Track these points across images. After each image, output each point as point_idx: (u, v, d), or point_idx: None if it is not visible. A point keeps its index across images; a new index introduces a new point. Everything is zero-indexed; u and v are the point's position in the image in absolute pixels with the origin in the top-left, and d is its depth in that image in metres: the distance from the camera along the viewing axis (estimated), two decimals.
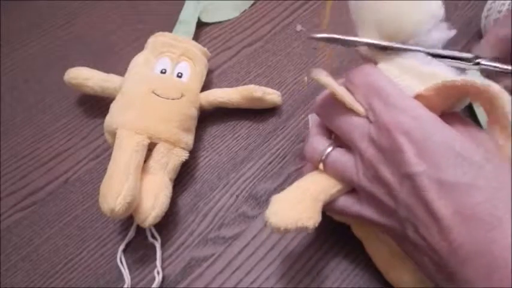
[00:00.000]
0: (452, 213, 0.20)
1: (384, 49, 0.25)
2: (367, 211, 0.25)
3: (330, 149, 0.26)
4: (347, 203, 0.26)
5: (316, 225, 0.25)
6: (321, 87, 0.26)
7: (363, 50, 0.26)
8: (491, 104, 0.22)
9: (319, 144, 0.27)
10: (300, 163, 0.36)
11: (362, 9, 0.25)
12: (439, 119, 0.22)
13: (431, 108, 0.23)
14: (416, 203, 0.21)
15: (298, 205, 0.25)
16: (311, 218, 0.25)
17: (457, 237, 0.19)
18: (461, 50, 0.25)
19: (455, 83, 0.22)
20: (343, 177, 0.26)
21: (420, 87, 0.23)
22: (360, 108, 0.24)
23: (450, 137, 0.21)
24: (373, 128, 0.23)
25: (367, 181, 0.24)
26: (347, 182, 0.26)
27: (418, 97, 0.23)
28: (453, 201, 0.20)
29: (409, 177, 0.21)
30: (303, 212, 0.25)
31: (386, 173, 0.23)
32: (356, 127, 0.24)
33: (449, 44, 0.25)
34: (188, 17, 0.43)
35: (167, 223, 0.33)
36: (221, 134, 0.38)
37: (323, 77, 0.25)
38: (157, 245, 0.32)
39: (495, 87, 0.21)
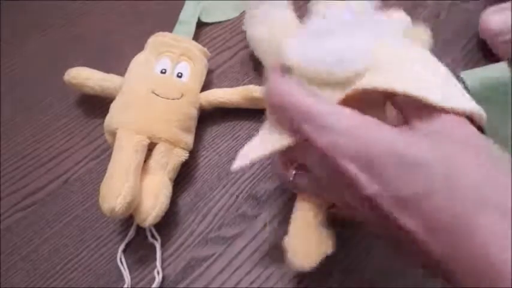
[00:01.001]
0: (423, 227, 0.19)
1: None
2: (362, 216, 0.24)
3: (293, 173, 0.26)
4: (345, 213, 0.26)
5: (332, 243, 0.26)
6: None
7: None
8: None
9: (283, 169, 0.26)
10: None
11: None
12: (374, 122, 0.20)
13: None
14: (386, 221, 0.20)
15: (310, 240, 0.26)
16: (326, 243, 0.26)
17: (435, 249, 0.18)
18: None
19: (376, 88, 0.21)
20: (317, 197, 0.26)
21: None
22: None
23: (390, 142, 0.19)
24: (316, 155, 0.21)
25: (335, 199, 0.24)
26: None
27: (342, 103, 0.21)
28: (417, 215, 0.19)
29: (368, 199, 0.20)
30: (318, 243, 0.25)
31: (347, 195, 0.22)
32: (305, 153, 0.23)
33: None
34: (188, 17, 0.43)
35: (167, 223, 0.33)
36: (221, 134, 0.38)
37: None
38: (157, 245, 0.32)
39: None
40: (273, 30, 0.36)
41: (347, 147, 0.20)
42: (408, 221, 0.19)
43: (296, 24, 0.36)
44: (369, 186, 0.19)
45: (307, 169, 0.25)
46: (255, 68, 0.42)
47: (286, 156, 0.26)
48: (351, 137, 0.20)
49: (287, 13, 0.37)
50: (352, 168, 0.20)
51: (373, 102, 0.22)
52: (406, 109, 0.21)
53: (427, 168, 0.18)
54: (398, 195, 0.19)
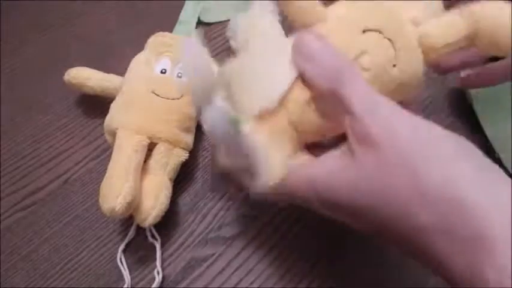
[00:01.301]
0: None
1: None
2: None
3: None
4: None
5: None
6: None
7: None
8: None
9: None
10: None
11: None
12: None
13: None
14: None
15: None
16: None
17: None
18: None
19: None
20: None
21: None
22: None
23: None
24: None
25: None
26: None
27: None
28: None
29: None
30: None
31: None
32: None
33: None
34: (188, 17, 0.43)
35: (167, 223, 0.33)
36: None
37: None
38: (157, 245, 0.32)
39: None
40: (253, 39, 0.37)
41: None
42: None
43: (276, 34, 0.37)
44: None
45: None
46: None
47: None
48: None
49: (267, 22, 0.38)
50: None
51: None
52: None
53: (365, 214, 0.20)
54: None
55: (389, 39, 0.22)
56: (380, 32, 0.22)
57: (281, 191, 0.22)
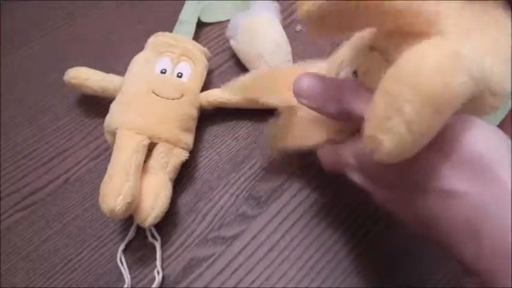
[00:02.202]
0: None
1: None
2: None
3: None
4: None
5: None
6: None
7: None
8: None
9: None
10: (300, 163, 0.36)
11: None
12: None
13: None
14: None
15: None
16: None
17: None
18: None
19: None
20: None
21: None
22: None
23: None
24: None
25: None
26: None
27: None
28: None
29: None
30: None
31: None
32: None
33: None
34: (188, 17, 0.43)
35: (167, 223, 0.33)
36: (221, 134, 0.38)
37: None
38: (157, 245, 0.32)
39: None
40: (251, 40, 0.37)
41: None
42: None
43: (276, 34, 0.38)
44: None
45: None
46: None
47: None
48: None
49: (268, 21, 0.39)
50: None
51: None
52: None
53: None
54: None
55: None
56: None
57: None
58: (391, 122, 0.18)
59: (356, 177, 0.25)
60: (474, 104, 0.20)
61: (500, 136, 0.20)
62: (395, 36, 0.22)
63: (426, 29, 0.19)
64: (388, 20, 0.20)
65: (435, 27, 0.19)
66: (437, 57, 0.17)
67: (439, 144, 0.19)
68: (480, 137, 0.20)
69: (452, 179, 0.19)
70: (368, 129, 0.19)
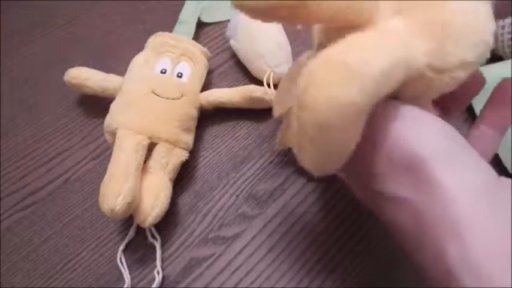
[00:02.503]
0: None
1: None
2: None
3: None
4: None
5: None
6: None
7: None
8: None
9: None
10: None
11: None
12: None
13: None
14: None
15: None
16: None
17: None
18: None
19: None
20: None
21: None
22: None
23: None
24: None
25: None
26: None
27: None
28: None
29: None
30: None
31: None
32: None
33: None
34: (188, 17, 0.43)
35: (167, 223, 0.33)
36: (221, 134, 0.38)
37: None
38: (157, 245, 0.32)
39: None
40: (251, 39, 0.38)
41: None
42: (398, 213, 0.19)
43: (276, 34, 0.38)
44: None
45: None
46: None
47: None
48: None
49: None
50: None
51: None
52: None
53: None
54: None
55: None
56: None
57: None
58: (301, 139, 0.18)
59: (343, 176, 0.24)
60: (422, 84, 0.19)
61: (431, 125, 0.19)
62: (333, 30, 0.20)
63: (358, 21, 0.18)
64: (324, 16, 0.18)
65: (369, 18, 0.19)
66: (321, 73, 0.16)
67: (373, 142, 0.19)
68: (410, 133, 0.18)
69: (392, 183, 0.18)
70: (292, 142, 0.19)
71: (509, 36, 0.37)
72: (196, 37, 0.42)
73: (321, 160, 0.18)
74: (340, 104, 0.16)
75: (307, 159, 0.18)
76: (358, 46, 0.17)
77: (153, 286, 0.30)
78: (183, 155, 0.34)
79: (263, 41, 0.38)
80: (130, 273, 0.31)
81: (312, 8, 0.17)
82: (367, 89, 0.16)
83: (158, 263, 0.31)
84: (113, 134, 0.32)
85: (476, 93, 0.25)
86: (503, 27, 0.37)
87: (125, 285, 0.30)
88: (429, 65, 0.19)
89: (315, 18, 0.17)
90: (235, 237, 0.33)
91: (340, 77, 0.16)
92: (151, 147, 0.32)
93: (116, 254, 0.32)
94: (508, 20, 0.37)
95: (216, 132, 0.38)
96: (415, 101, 0.20)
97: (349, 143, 0.17)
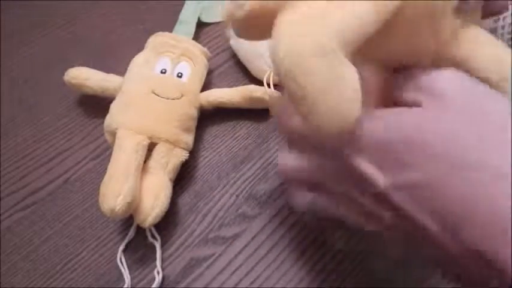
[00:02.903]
0: (438, 224, 0.18)
1: None
2: None
3: (309, 195, 0.25)
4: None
5: None
6: None
7: None
8: None
9: (298, 195, 0.26)
10: None
11: None
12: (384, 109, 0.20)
13: None
14: (403, 221, 0.19)
15: None
16: None
17: (452, 246, 0.18)
18: None
19: None
20: (334, 216, 0.25)
21: None
22: None
23: (398, 127, 0.19)
24: (332, 166, 0.22)
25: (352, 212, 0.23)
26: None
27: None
28: (431, 209, 0.18)
29: (382, 196, 0.20)
30: None
31: (363, 200, 0.21)
32: (323, 169, 0.23)
33: None
34: (188, 17, 0.43)
35: (167, 223, 0.33)
36: (221, 134, 0.38)
37: None
38: (157, 245, 0.32)
39: None
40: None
41: (355, 139, 0.19)
42: (423, 218, 0.18)
43: None
44: (379, 178, 0.19)
45: (322, 187, 0.24)
46: None
47: (298, 181, 0.25)
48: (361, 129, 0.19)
49: None
50: (360, 162, 0.20)
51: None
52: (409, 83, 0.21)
53: (431, 151, 0.18)
54: (409, 184, 0.18)
55: None
56: None
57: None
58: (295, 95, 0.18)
59: None
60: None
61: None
62: None
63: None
64: None
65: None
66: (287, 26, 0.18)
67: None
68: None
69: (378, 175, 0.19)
70: None
71: (509, 36, 0.37)
72: (196, 37, 0.42)
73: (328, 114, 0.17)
74: (308, 44, 0.17)
75: (314, 115, 0.18)
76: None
77: (153, 286, 0.30)
78: (183, 155, 0.34)
79: (263, 41, 0.38)
80: (130, 273, 0.31)
81: None
82: (330, 32, 0.17)
83: (158, 263, 0.31)
84: (113, 134, 0.32)
85: None
86: (503, 27, 0.37)
87: (125, 285, 0.30)
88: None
89: None
90: (235, 237, 0.33)
91: (303, 25, 0.18)
92: (151, 147, 0.32)
93: (116, 254, 0.32)
94: (507, 20, 0.37)
95: (216, 132, 0.38)
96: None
97: (345, 92, 0.17)
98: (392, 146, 0.19)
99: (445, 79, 0.20)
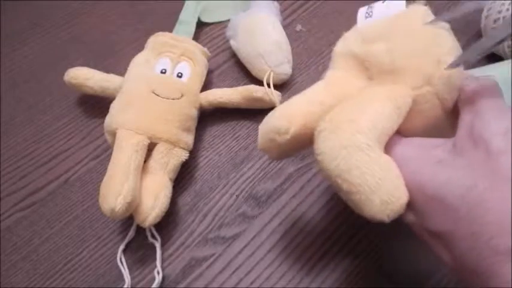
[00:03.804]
0: (453, 263, 0.19)
1: None
2: None
3: None
4: None
5: None
6: None
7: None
8: None
9: None
10: (300, 163, 0.36)
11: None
12: (421, 150, 0.21)
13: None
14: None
15: None
16: None
17: (466, 279, 0.19)
18: (462, 49, 0.24)
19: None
20: None
21: None
22: None
23: (426, 175, 0.19)
24: None
25: None
26: None
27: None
28: (448, 249, 0.19)
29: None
30: None
31: None
32: None
33: None
34: (188, 17, 0.43)
35: (167, 223, 0.33)
36: (221, 134, 0.38)
37: None
38: (157, 245, 0.32)
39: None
40: (251, 39, 0.38)
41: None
42: (441, 253, 0.20)
43: (276, 34, 0.39)
44: (406, 214, 0.20)
45: None
46: None
47: None
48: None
49: (268, 21, 0.39)
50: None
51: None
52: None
53: (455, 208, 0.18)
54: (430, 229, 0.19)
55: None
56: None
57: None
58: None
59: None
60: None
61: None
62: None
63: None
64: None
65: None
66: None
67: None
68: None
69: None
70: None
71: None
72: (196, 37, 0.42)
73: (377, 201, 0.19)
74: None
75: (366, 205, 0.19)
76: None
77: (153, 286, 0.30)
78: (183, 155, 0.34)
79: (263, 41, 0.38)
80: (130, 273, 0.31)
81: None
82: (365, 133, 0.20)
83: (158, 263, 0.31)
84: (113, 134, 0.32)
85: None
86: None
87: (125, 285, 0.30)
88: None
89: None
90: (235, 237, 0.33)
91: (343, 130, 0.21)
92: (151, 147, 0.32)
93: (116, 254, 0.32)
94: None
95: (216, 132, 0.38)
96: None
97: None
98: (415, 192, 0.20)
99: (501, 132, 0.18)
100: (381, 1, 0.25)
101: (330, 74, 0.26)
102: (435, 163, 0.19)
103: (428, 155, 0.20)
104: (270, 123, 0.23)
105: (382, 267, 0.31)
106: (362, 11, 0.25)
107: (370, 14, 0.25)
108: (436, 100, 0.22)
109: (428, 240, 0.20)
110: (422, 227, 0.20)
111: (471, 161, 0.18)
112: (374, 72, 0.23)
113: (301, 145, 0.24)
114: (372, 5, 0.25)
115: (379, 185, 0.19)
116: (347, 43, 0.25)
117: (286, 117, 0.23)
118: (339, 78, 0.25)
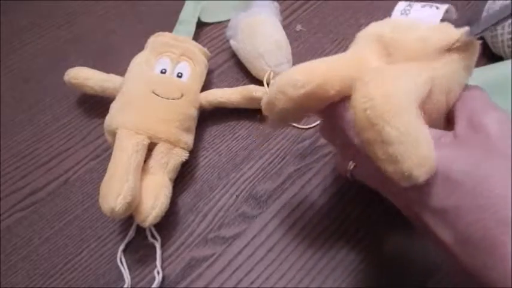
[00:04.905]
0: (454, 240, 0.19)
1: None
2: None
3: (351, 166, 0.27)
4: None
5: None
6: None
7: None
8: None
9: (343, 162, 0.28)
10: (300, 163, 0.36)
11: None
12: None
13: None
14: (427, 231, 0.21)
15: None
16: None
17: (466, 264, 0.19)
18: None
19: None
20: (372, 186, 0.26)
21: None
22: None
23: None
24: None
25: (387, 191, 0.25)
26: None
27: None
28: (451, 227, 0.20)
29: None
30: None
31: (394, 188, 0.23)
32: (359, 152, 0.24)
33: None
34: (188, 17, 0.43)
35: (167, 223, 0.33)
36: (221, 134, 0.38)
37: None
38: (157, 245, 0.32)
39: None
40: (251, 39, 0.38)
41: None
42: (442, 232, 0.20)
43: (276, 34, 0.39)
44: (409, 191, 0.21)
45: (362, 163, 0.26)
46: None
47: (345, 152, 0.28)
48: None
49: (268, 21, 0.39)
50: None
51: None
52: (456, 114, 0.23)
53: (460, 184, 0.19)
54: (434, 206, 0.20)
55: None
56: None
57: None
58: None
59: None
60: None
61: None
62: None
63: None
64: None
65: None
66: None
67: None
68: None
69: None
70: None
71: (509, 36, 0.37)
72: (196, 37, 0.42)
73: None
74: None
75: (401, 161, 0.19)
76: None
77: (153, 286, 0.30)
78: (183, 155, 0.34)
79: (263, 41, 0.38)
80: (130, 273, 0.31)
81: None
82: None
83: (158, 263, 0.31)
84: (113, 134, 0.32)
85: None
86: (503, 27, 0.37)
87: (125, 285, 0.30)
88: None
89: None
90: (235, 237, 0.33)
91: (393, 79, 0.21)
92: (151, 147, 0.32)
93: (116, 254, 0.32)
94: (508, 20, 0.37)
95: (216, 132, 0.38)
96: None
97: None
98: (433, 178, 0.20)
99: (495, 120, 0.21)
100: (421, 2, 0.25)
101: (350, 52, 0.25)
102: (440, 146, 0.20)
103: (433, 140, 0.21)
104: (288, 75, 0.23)
105: (382, 267, 0.31)
106: (400, 6, 0.25)
107: (407, 12, 0.25)
108: (443, 97, 0.22)
109: (429, 220, 0.21)
110: (426, 205, 0.20)
111: (474, 143, 0.20)
112: (398, 58, 0.23)
113: (305, 109, 0.25)
114: (412, 3, 0.25)
115: (421, 140, 0.19)
116: (374, 28, 0.25)
117: (306, 72, 0.23)
118: (358, 56, 0.25)
